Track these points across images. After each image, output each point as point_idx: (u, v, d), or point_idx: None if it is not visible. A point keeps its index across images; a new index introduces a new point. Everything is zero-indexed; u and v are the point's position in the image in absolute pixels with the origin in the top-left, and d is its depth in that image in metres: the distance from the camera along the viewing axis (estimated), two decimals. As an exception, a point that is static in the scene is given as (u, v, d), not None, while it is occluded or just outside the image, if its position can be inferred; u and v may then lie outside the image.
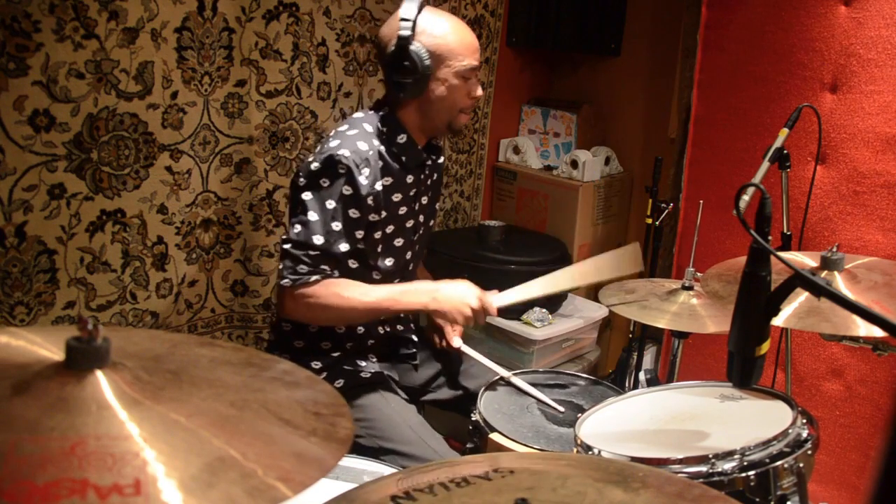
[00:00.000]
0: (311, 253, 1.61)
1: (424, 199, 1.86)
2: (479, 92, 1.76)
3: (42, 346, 0.77)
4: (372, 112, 1.77)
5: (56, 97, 1.79)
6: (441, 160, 1.92)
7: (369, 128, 1.71)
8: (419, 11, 1.67)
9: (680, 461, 1.27)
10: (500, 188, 3.13)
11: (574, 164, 2.90)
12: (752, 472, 1.25)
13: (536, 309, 2.50)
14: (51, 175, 1.82)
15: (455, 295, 1.71)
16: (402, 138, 1.73)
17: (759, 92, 2.44)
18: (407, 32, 1.64)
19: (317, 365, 1.75)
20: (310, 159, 1.67)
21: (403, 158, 1.73)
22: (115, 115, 1.90)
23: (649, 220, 2.30)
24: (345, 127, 1.72)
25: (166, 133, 2.02)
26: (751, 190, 1.52)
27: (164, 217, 2.08)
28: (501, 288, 1.79)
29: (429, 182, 1.86)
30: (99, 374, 0.71)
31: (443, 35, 1.67)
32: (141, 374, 0.74)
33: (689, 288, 1.86)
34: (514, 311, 2.48)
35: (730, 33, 2.51)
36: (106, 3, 1.82)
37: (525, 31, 3.00)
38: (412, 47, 1.65)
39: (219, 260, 2.27)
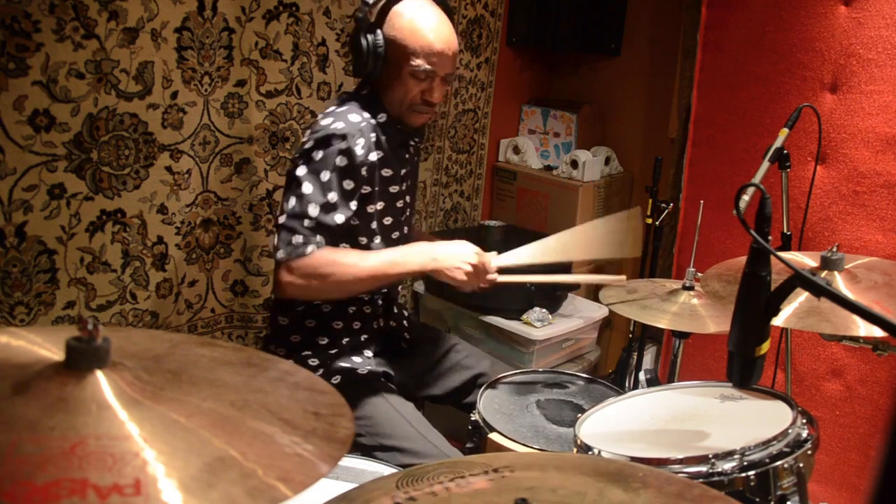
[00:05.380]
0: (307, 223, 1.60)
1: (409, 181, 1.86)
2: (436, 97, 1.70)
3: (42, 346, 0.77)
4: (354, 92, 1.77)
5: (56, 97, 1.79)
6: (420, 143, 1.92)
7: (357, 105, 1.72)
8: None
9: (680, 461, 1.27)
10: (500, 188, 3.13)
11: (574, 164, 2.90)
12: (752, 472, 1.25)
13: (536, 309, 2.49)
14: (51, 175, 1.82)
15: (453, 253, 1.70)
16: (381, 118, 1.73)
17: (759, 92, 2.44)
18: (362, 14, 1.66)
19: (314, 362, 1.76)
20: (304, 139, 1.67)
21: (384, 138, 1.73)
22: (115, 115, 1.90)
23: (649, 220, 2.30)
24: (333, 106, 1.72)
25: (166, 133, 2.02)
26: (751, 190, 1.52)
27: (164, 217, 2.08)
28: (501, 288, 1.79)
29: (414, 159, 1.87)
30: (99, 374, 0.71)
31: (402, 29, 1.66)
32: (141, 374, 0.74)
33: (690, 288, 1.86)
34: (515, 311, 2.48)
35: (730, 33, 2.51)
36: (106, 3, 1.82)
37: (525, 31, 3.00)
38: (370, 33, 1.65)
39: (219, 260, 2.27)
